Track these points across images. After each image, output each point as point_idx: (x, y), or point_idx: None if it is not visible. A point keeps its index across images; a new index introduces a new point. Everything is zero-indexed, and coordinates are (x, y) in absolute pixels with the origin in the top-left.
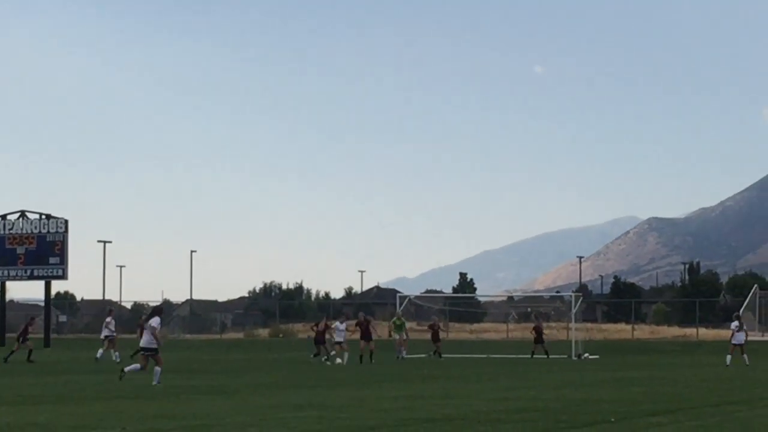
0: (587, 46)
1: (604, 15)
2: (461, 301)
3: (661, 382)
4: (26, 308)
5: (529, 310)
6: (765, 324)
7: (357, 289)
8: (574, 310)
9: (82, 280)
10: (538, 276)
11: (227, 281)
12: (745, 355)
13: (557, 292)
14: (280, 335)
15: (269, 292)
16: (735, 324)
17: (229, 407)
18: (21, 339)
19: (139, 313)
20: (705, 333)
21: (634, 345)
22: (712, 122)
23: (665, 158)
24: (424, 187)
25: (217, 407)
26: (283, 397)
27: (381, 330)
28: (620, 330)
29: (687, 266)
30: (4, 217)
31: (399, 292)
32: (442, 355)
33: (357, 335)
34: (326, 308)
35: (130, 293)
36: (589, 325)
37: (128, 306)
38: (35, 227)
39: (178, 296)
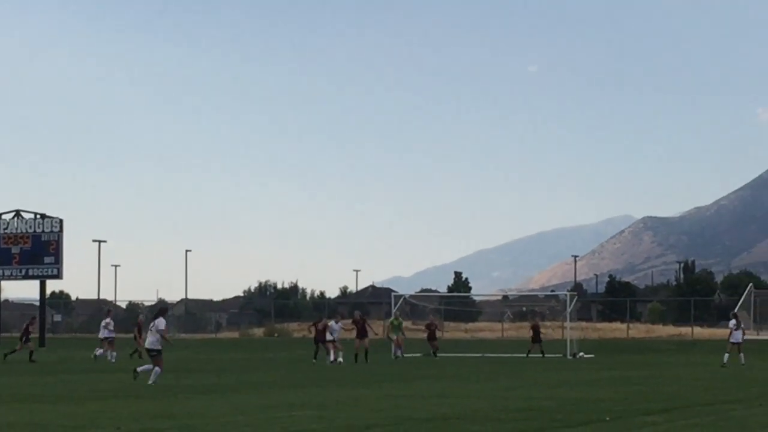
0: (582, 45)
1: (599, 14)
2: (456, 301)
3: (657, 381)
4: (21, 308)
5: (524, 309)
6: (760, 323)
7: (352, 288)
8: (569, 309)
9: (77, 280)
10: (533, 275)
11: (222, 281)
12: (741, 354)
13: (552, 291)
14: (276, 334)
15: (264, 291)
16: (733, 322)
17: (224, 407)
18: (24, 339)
19: (134, 312)
20: (700, 332)
21: (629, 344)
22: (707, 121)
23: (660, 157)
24: (418, 187)
25: (213, 407)
26: (279, 397)
27: (377, 328)
28: (615, 329)
29: (682, 265)
30: None
31: (394, 291)
32: (437, 355)
33: (353, 334)
34: (321, 308)
35: (125, 293)
36: (584, 324)
37: (123, 306)
38: (30, 227)
39: (174, 296)
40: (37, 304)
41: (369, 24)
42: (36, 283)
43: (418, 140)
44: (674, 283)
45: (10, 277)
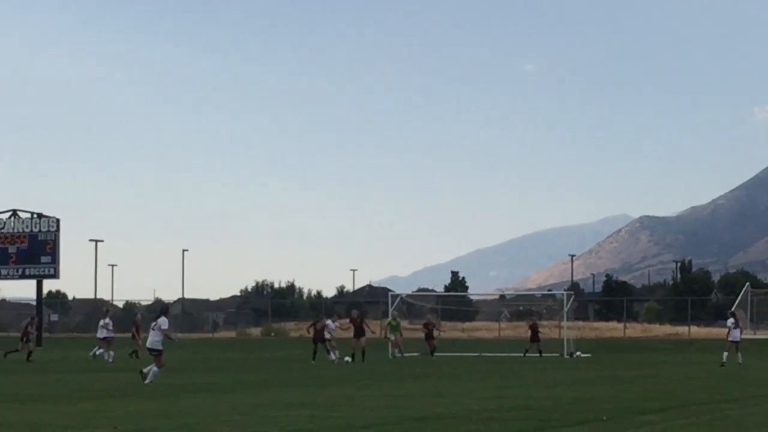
0: (579, 45)
1: (595, 13)
2: (453, 300)
3: (653, 381)
4: (18, 307)
5: (521, 308)
6: (757, 322)
7: (349, 287)
8: (565, 309)
9: (73, 279)
10: (530, 274)
11: (219, 280)
12: (739, 353)
13: (549, 290)
14: (272, 334)
15: (261, 290)
16: (731, 321)
17: (220, 406)
18: (25, 339)
19: (131, 312)
20: (697, 331)
21: (626, 343)
22: (704, 121)
23: (657, 157)
24: (415, 186)
25: (209, 406)
26: (275, 396)
27: (373, 328)
28: (612, 328)
29: (679, 264)
30: None
31: (391, 290)
32: (434, 354)
33: (350, 333)
34: (318, 307)
35: (121, 292)
36: (581, 323)
37: (120, 305)
38: (27, 226)
39: (170, 295)
40: (34, 303)
41: (363, 24)
42: (33, 282)
43: (415, 140)
44: (671, 282)
45: (6, 277)
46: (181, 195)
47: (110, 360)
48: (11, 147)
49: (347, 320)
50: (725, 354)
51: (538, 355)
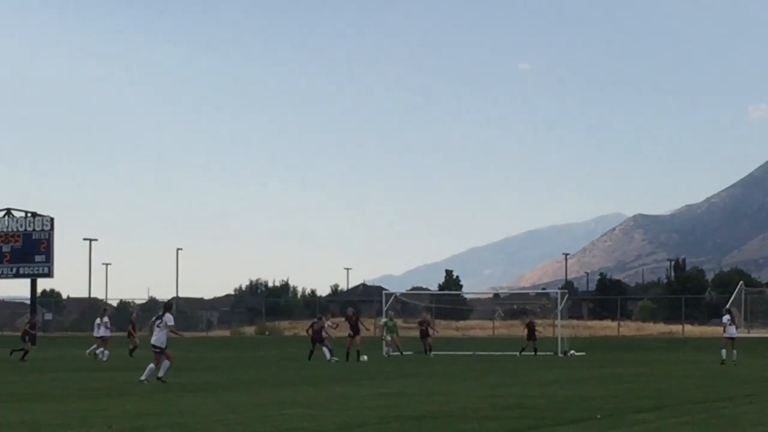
0: (574, 43)
1: (590, 12)
2: (447, 299)
3: (647, 379)
4: (12, 306)
5: (515, 307)
6: (751, 321)
7: (343, 286)
8: (560, 307)
9: (67, 278)
10: (524, 273)
11: (213, 279)
12: (734, 351)
13: (543, 289)
14: (267, 333)
15: (255, 289)
16: (727, 318)
17: (215, 405)
18: (26, 338)
19: (125, 311)
20: (691, 330)
21: (620, 342)
22: (698, 119)
23: (651, 155)
24: (410, 185)
25: (204, 405)
26: (270, 395)
27: (368, 325)
28: (606, 327)
29: (673, 263)
30: None
31: (385, 289)
32: (429, 353)
33: (344, 331)
34: (312, 306)
35: (116, 291)
36: (575, 322)
37: (114, 304)
38: (21, 225)
39: (165, 294)
40: (28, 302)
41: (357, 23)
42: (27, 281)
43: (410, 139)
44: (665, 281)
45: (0, 276)
46: (175, 194)
47: (104, 359)
48: (5, 146)
49: (342, 319)
50: (723, 351)
51: (533, 353)
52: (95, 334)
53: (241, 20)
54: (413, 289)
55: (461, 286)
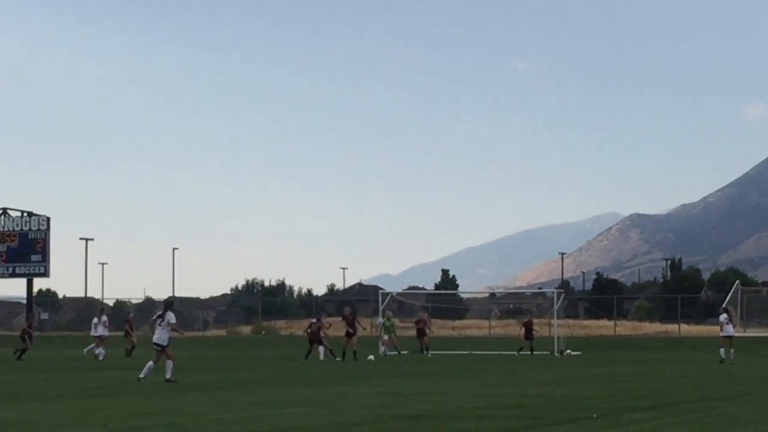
0: (571, 44)
1: (585, 11)
2: (443, 298)
3: (643, 378)
4: (8, 306)
5: (511, 306)
6: (747, 320)
7: (339, 286)
8: (556, 307)
9: (64, 278)
10: (520, 272)
11: (210, 278)
12: (732, 350)
13: (539, 288)
14: (263, 332)
15: (251, 289)
16: (724, 316)
17: (211, 404)
18: (27, 337)
19: (122, 310)
20: (687, 329)
21: (616, 341)
22: (694, 119)
23: (647, 155)
24: (406, 185)
25: (200, 404)
26: (266, 394)
27: (365, 324)
28: (602, 326)
29: (669, 262)
30: None
31: (381, 288)
32: (424, 352)
33: (341, 331)
34: (309, 305)
35: (112, 291)
36: (571, 321)
37: (110, 303)
38: (17, 225)
39: (161, 293)
40: (24, 302)
41: (352, 23)
42: (23, 281)
43: (406, 139)
44: (661, 280)
45: None
46: (172, 193)
47: (101, 358)
48: (2, 146)
49: (339, 318)
50: (722, 350)
51: (530, 353)
52: (93, 333)
53: (241, 20)
54: (409, 288)
55: (457, 286)
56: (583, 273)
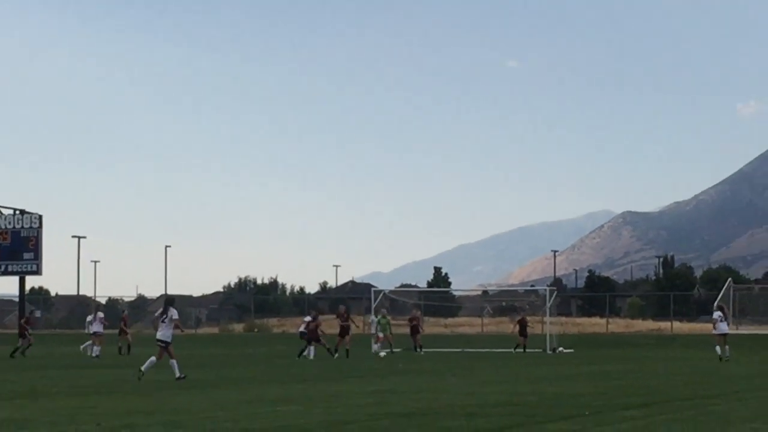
0: (562, 41)
1: (578, 9)
2: (436, 296)
3: (636, 376)
4: (0, 304)
5: (504, 304)
6: (739, 318)
7: (332, 283)
8: (548, 304)
9: (56, 276)
10: (513, 270)
11: (202, 276)
12: (726, 346)
13: (532, 286)
14: (255, 330)
15: (244, 287)
16: (719, 314)
17: (205, 402)
18: (25, 335)
19: (114, 308)
20: (679, 326)
21: (608, 339)
22: (687, 117)
23: (640, 152)
24: (399, 182)
25: (193, 402)
26: (259, 392)
27: (358, 322)
28: (595, 324)
29: (661, 260)
30: None
31: (374, 286)
32: (418, 350)
33: (335, 328)
34: (301, 303)
35: (104, 289)
36: (563, 318)
37: (103, 301)
38: (9, 223)
39: (153, 291)
40: (17, 300)
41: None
42: (15, 279)
43: (401, 137)
44: (653, 277)
45: None
46: (164, 191)
47: (94, 355)
48: None
49: (333, 316)
50: (718, 348)
51: (522, 350)
52: (88, 330)
53: (241, 20)
54: (402, 286)
55: (450, 283)
56: (576, 270)
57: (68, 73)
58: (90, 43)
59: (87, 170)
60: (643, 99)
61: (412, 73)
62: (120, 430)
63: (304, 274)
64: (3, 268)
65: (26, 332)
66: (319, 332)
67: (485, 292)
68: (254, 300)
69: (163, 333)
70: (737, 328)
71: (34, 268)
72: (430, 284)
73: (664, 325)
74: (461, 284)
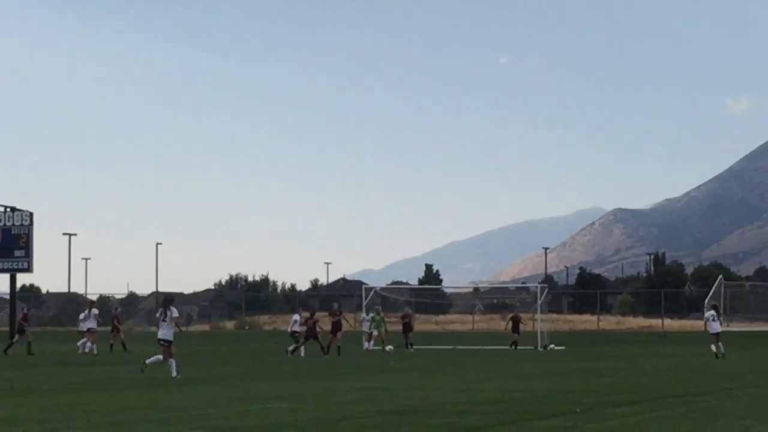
0: (553, 37)
1: (568, 5)
2: (427, 293)
3: (627, 373)
4: None
5: (495, 301)
6: (730, 315)
7: (323, 281)
8: (539, 301)
9: (47, 273)
10: (504, 267)
11: (193, 274)
12: (720, 343)
13: (523, 283)
14: (246, 327)
15: (235, 284)
16: (711, 313)
17: (195, 399)
18: (24, 331)
19: (105, 306)
20: (670, 323)
21: (599, 336)
22: (677, 113)
23: (631, 149)
24: (390, 179)
25: (184, 399)
26: (250, 389)
27: (350, 319)
28: (586, 321)
29: (652, 257)
30: None
31: (365, 283)
32: (411, 347)
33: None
34: (292, 300)
35: (95, 286)
36: (554, 316)
37: (94, 299)
38: (0, 220)
39: (144, 289)
40: (7, 297)
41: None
42: (6, 276)
43: (388, 133)
44: (644, 275)
45: None
46: (155, 188)
47: (87, 350)
48: None
49: (325, 313)
50: (713, 346)
51: (513, 347)
52: (81, 327)
53: (241, 20)
54: (393, 283)
55: (441, 281)
56: (567, 268)
57: (63, 71)
58: (90, 43)
59: (78, 168)
60: (634, 96)
61: (411, 73)
62: (111, 426)
63: (296, 272)
64: None
65: (24, 329)
66: (318, 329)
67: (476, 290)
68: (245, 297)
69: (165, 332)
70: (728, 326)
71: (25, 265)
72: (421, 281)
73: (655, 322)
74: (452, 281)
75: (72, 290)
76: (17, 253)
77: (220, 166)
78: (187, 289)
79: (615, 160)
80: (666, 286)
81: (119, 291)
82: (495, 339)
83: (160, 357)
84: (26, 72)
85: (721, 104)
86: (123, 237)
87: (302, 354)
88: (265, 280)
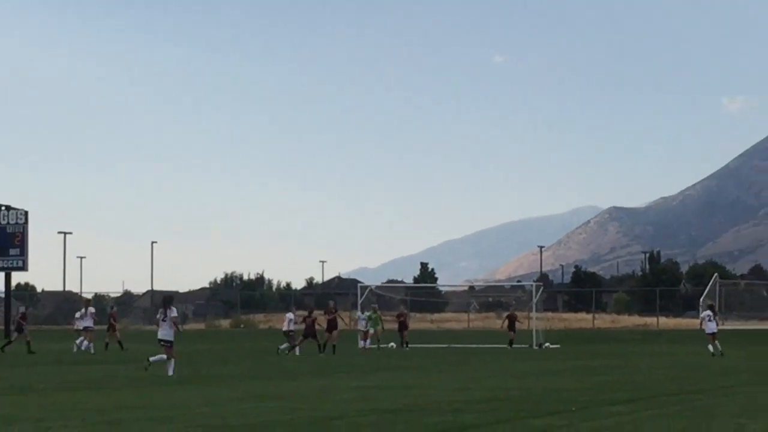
0: (548, 36)
1: (564, 5)
2: (422, 291)
3: (622, 371)
4: None
5: (490, 299)
6: (725, 313)
7: (318, 279)
8: (535, 300)
9: (42, 272)
10: (499, 266)
11: (188, 272)
12: (716, 342)
13: (518, 281)
14: (242, 326)
15: (230, 282)
16: (708, 313)
17: (191, 398)
18: (22, 329)
19: (100, 304)
20: (665, 322)
21: (594, 334)
22: (673, 111)
23: (626, 148)
24: (385, 177)
25: (179, 398)
26: (246, 388)
27: (345, 318)
28: (581, 319)
29: (647, 255)
30: None
31: (360, 282)
32: (406, 346)
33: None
34: (287, 299)
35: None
36: (550, 314)
37: (89, 297)
38: None
39: (139, 287)
40: (2, 296)
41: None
42: (1, 275)
43: (384, 132)
44: (640, 273)
45: None
46: (150, 187)
47: (82, 349)
48: None
49: (321, 311)
50: (710, 346)
51: (509, 346)
52: (78, 326)
53: (241, 20)
54: (388, 282)
55: (436, 279)
56: (562, 266)
57: (62, 70)
58: (89, 43)
59: (73, 166)
60: (630, 95)
61: (408, 73)
62: (107, 425)
63: (291, 270)
64: None
65: (23, 327)
66: (317, 326)
67: (472, 288)
68: (240, 296)
69: (165, 332)
70: (723, 324)
71: (20, 264)
72: (416, 280)
73: (650, 320)
74: (447, 280)
75: (67, 289)
76: (12, 251)
77: (215, 165)
78: (183, 288)
79: (610, 159)
80: (661, 285)
81: (114, 289)
82: (490, 337)
83: (164, 356)
84: (25, 71)
85: (716, 103)
86: (118, 235)
87: (297, 353)
88: (260, 279)
